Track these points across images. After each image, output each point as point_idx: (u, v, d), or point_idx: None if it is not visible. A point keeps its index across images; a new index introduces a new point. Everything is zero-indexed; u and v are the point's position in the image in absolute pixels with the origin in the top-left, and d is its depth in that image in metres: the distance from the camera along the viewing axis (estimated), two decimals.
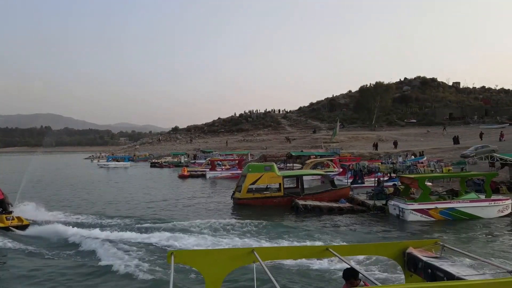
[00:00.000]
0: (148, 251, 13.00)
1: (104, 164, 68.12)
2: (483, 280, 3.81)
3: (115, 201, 25.86)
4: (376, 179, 24.15)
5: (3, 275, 11.17)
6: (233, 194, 23.95)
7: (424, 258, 4.95)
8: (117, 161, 71.02)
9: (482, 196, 18.57)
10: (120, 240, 14.08)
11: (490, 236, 15.24)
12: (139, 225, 16.98)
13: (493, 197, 18.59)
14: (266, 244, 13.53)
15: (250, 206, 21.98)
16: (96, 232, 15.18)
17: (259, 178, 22.65)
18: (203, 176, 42.77)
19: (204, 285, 4.90)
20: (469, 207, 17.99)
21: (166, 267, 10.98)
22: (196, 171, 45.63)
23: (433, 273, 4.67)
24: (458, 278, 4.17)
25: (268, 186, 23.69)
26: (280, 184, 22.90)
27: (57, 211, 20.51)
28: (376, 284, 3.81)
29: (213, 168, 43.74)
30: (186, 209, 22.17)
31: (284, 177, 23.31)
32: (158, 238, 14.39)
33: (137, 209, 22.16)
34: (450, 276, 4.34)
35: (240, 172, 29.69)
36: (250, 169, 23.20)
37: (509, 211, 18.66)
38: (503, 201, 18.61)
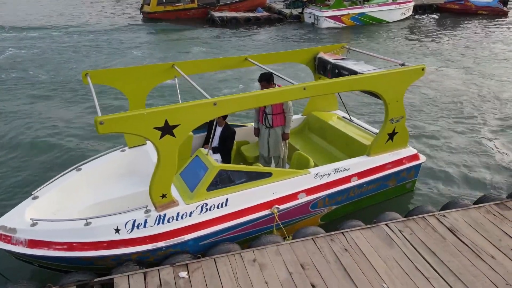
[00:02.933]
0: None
1: None
2: (379, 72, 4.55)
3: None
4: None
5: None
6: (142, 7, 21.84)
7: (332, 61, 5.42)
8: None
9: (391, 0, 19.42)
10: None
11: (390, 38, 16.77)
12: None
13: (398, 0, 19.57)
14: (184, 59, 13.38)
15: (162, 21, 20.56)
16: None
17: None
18: None
19: (127, 104, 4.92)
20: (377, 11, 18.99)
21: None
22: None
23: (339, 72, 5.22)
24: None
25: None
26: None
27: None
28: (291, 83, 4.12)
29: None
30: (88, 27, 19.96)
31: None
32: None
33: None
34: (354, 73, 4.88)
35: None
36: None
37: (410, 13, 20.21)
38: (407, 3, 19.82)
